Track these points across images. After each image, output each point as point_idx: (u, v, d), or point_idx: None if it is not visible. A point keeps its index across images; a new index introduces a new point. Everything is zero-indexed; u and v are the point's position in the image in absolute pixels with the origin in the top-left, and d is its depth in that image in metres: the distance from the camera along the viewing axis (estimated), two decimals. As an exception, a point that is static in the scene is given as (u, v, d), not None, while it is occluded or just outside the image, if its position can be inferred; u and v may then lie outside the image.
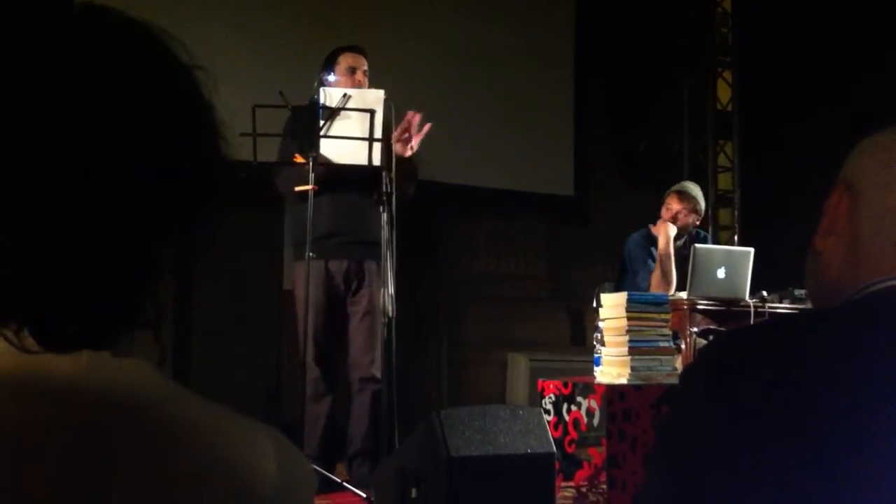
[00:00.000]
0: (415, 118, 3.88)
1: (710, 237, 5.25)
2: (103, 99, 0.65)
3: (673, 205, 4.87)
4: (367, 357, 3.94)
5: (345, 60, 4.04)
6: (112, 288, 0.65)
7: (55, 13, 0.68)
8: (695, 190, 4.94)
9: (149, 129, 0.66)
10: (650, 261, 4.89)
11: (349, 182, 3.89)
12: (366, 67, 4.05)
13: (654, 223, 4.90)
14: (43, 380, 0.63)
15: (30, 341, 0.63)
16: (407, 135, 3.88)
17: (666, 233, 4.74)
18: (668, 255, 4.72)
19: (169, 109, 0.68)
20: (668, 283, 4.71)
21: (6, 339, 0.63)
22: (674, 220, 4.84)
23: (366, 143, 3.66)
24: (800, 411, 0.80)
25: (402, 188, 3.88)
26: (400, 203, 3.79)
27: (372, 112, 3.64)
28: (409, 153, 3.91)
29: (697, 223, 4.94)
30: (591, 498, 3.65)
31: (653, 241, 4.90)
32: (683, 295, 4.41)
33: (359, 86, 3.96)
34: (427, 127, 3.91)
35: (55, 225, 0.63)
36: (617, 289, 4.80)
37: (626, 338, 3.51)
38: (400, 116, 3.88)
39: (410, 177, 4.00)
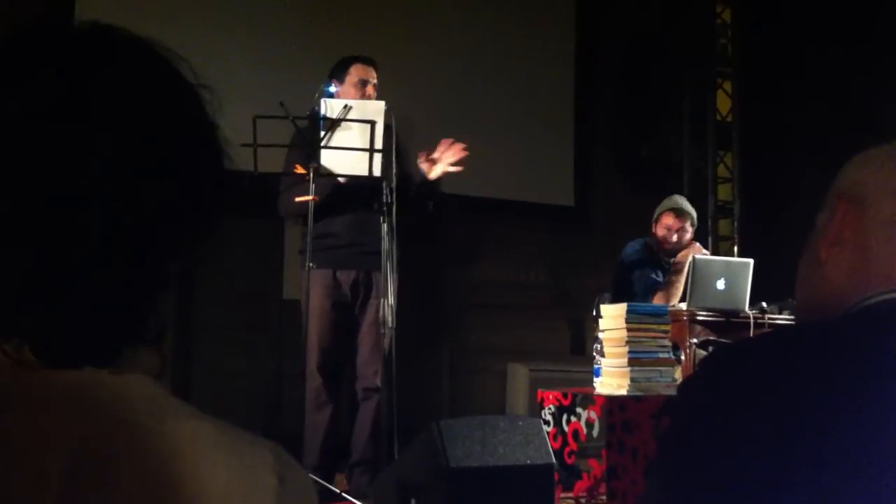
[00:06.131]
0: (448, 144, 4.00)
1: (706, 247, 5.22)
2: (109, 118, 0.65)
3: (668, 221, 4.86)
4: (371, 367, 3.95)
5: (356, 72, 4.04)
6: (116, 305, 0.65)
7: (60, 32, 0.68)
8: (687, 205, 4.94)
9: (155, 147, 0.67)
10: (647, 269, 4.89)
11: (359, 193, 3.91)
12: (375, 80, 4.06)
13: (651, 233, 4.92)
14: (40, 395, 0.63)
15: (29, 356, 0.63)
16: (436, 155, 3.99)
17: (688, 255, 4.73)
18: (681, 273, 4.73)
19: (174, 128, 0.69)
20: (671, 297, 4.72)
21: (5, 353, 0.63)
22: (666, 237, 4.85)
23: (366, 155, 3.66)
24: (800, 423, 0.80)
25: (420, 206, 3.96)
26: (418, 219, 3.89)
27: (373, 123, 3.65)
28: (432, 175, 3.99)
29: (691, 237, 4.92)
30: (591, 509, 3.65)
31: (650, 249, 4.91)
32: (683, 306, 4.41)
33: (368, 99, 3.97)
34: (454, 151, 4.01)
35: (62, 242, 0.63)
36: (613, 296, 4.81)
37: (626, 349, 3.51)
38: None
39: (427, 196, 4.05)
